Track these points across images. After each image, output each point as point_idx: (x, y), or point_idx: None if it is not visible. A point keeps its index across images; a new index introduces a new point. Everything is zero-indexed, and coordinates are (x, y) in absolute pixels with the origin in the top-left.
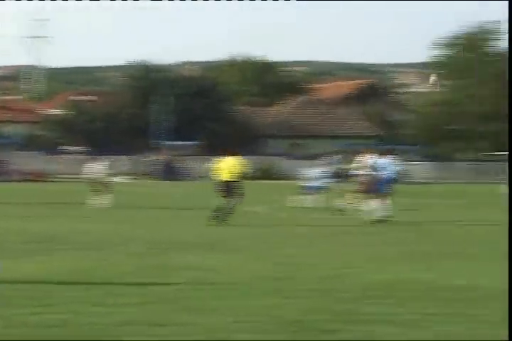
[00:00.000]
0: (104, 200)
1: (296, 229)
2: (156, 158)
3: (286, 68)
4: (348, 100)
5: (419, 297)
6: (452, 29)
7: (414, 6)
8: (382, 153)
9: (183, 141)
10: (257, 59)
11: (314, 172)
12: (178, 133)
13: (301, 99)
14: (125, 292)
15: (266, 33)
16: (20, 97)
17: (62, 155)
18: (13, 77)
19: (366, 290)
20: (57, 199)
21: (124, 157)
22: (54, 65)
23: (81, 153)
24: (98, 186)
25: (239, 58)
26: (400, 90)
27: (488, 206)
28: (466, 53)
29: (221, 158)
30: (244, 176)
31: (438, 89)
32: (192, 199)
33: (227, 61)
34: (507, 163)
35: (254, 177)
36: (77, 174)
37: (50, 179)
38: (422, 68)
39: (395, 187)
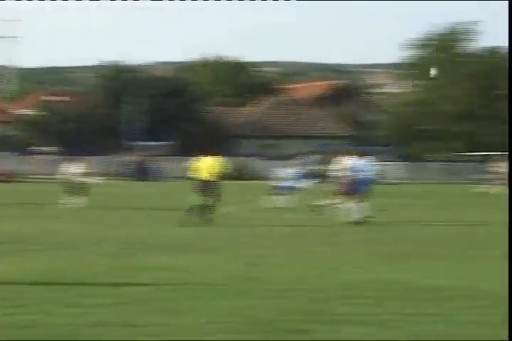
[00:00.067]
0: (78, 201)
1: (269, 230)
2: (128, 159)
3: (259, 68)
4: (321, 100)
5: (397, 297)
6: (425, 30)
7: (386, 7)
8: (362, 155)
9: (155, 141)
10: (230, 59)
11: (287, 173)
12: (151, 134)
13: (274, 99)
14: (98, 292)
15: (244, 35)
16: None
17: (35, 156)
18: None
19: (341, 291)
20: (29, 199)
21: (96, 157)
22: (25, 65)
23: (53, 153)
24: (73, 187)
25: (211, 58)
26: (372, 90)
27: (460, 206)
28: (439, 53)
29: (199, 157)
30: (224, 176)
31: (410, 90)
32: (165, 200)
33: (199, 61)
34: (478, 163)
35: (226, 178)
36: (50, 174)
37: (22, 179)
38: (394, 69)
39: (373, 188)
